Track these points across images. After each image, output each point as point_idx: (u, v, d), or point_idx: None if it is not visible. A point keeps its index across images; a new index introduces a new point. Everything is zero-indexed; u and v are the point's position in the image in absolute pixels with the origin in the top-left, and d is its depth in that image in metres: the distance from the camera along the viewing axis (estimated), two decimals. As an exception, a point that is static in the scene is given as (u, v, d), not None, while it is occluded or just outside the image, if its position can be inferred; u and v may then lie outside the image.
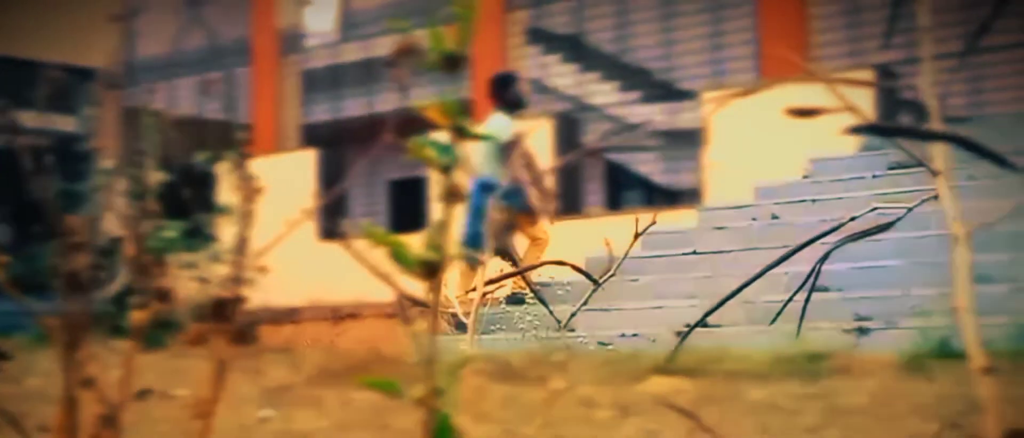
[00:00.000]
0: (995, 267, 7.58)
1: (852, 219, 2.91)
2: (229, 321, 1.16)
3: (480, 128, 9.99)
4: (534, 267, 2.83)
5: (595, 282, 2.87)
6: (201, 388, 1.17)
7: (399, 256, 1.20)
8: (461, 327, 9.64)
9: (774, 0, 12.57)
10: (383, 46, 16.16)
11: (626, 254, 3.28)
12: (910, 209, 2.60)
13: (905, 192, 8.16)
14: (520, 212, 9.45)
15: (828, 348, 6.52)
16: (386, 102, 16.77)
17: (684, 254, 9.56)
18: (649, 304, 8.72)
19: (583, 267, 9.70)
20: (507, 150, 9.50)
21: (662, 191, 15.19)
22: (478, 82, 14.82)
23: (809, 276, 2.96)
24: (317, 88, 17.32)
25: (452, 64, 1.23)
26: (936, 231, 7.84)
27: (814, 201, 9.50)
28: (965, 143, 1.67)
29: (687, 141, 13.79)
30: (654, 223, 3.31)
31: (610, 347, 8.11)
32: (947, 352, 5.60)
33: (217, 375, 1.10)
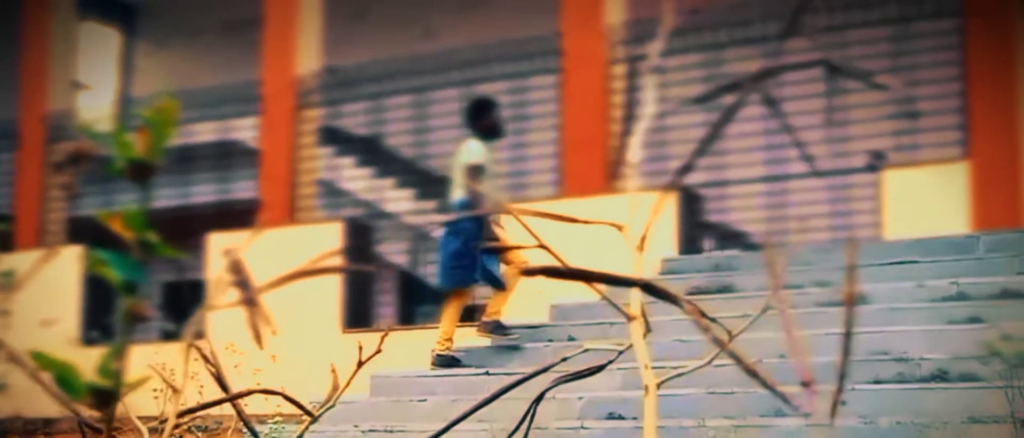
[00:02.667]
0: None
1: (564, 360, 3.03)
2: None
3: (456, 155, 9.89)
4: (242, 395, 2.81)
5: (311, 416, 2.87)
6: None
7: (65, 382, 1.15)
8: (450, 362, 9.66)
9: (578, 116, 12.91)
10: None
11: (347, 384, 3.28)
12: (621, 351, 2.72)
13: (707, 317, 8.39)
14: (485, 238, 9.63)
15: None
16: (167, 197, 16.49)
17: (476, 374, 9.62)
18: (437, 427, 8.71)
19: (368, 385, 9.68)
20: (480, 174, 9.72)
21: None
22: (266, 181, 14.73)
23: (524, 418, 3.05)
24: (88, 179, 16.92)
25: (140, 173, 1.22)
26: (730, 361, 8.08)
27: (612, 324, 9.70)
28: (652, 290, 1.75)
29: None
30: (379, 352, 3.32)
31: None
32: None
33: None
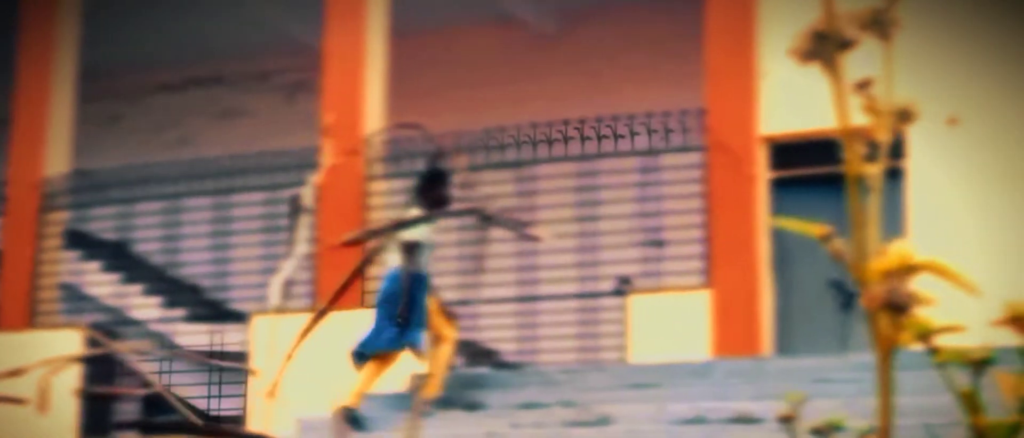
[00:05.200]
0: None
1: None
2: None
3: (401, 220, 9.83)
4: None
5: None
6: None
7: None
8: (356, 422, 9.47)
9: (334, 231, 12.92)
10: None
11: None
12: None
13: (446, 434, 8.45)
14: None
15: None
16: None
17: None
18: None
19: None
20: (417, 248, 9.61)
21: (203, 417, 14.92)
22: (5, 283, 14.20)
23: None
24: None
25: None
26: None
27: (359, 438, 9.66)
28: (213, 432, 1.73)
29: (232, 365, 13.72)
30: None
31: None
32: None
33: None
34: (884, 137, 1.13)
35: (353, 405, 9.75)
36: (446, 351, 10.03)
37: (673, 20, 14.17)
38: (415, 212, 9.93)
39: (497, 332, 13.46)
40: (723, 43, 12.28)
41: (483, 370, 11.69)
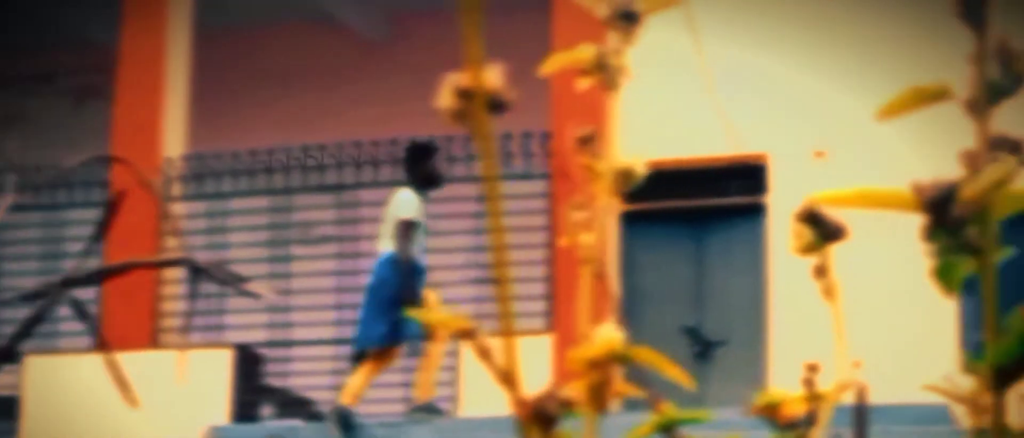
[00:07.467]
0: None
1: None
2: None
3: (388, 204, 9.53)
4: None
5: None
6: None
7: None
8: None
9: (124, 256, 12.47)
10: None
11: None
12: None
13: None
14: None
15: None
16: None
17: None
18: None
19: None
20: (412, 228, 9.50)
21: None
22: None
23: None
24: None
25: None
26: None
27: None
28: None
29: (6, 411, 13.19)
30: None
31: None
32: None
33: None
34: (605, 201, 1.08)
35: (347, 404, 9.70)
36: (439, 350, 10.09)
37: (517, 30, 13.90)
38: (406, 192, 9.80)
39: (312, 378, 13.08)
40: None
41: (295, 422, 11.37)
